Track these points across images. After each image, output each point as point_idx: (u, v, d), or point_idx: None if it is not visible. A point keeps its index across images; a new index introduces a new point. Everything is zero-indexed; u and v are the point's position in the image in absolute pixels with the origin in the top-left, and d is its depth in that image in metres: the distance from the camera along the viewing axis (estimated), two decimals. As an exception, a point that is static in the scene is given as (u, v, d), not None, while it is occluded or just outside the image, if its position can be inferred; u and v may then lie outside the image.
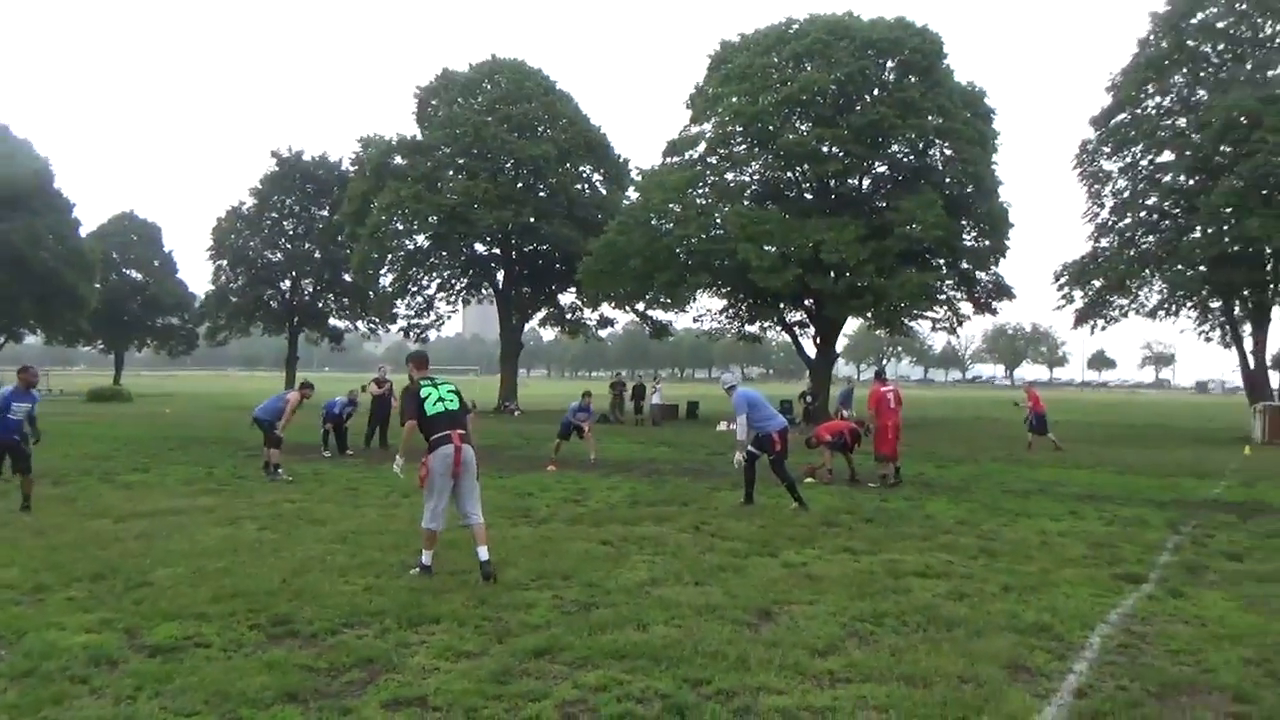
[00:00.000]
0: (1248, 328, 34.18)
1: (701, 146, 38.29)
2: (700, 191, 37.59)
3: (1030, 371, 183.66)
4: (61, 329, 57.56)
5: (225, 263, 52.61)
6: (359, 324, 54.48)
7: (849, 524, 10.74)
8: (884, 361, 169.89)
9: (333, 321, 55.28)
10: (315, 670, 5.24)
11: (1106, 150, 35.81)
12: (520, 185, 42.81)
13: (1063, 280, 36.29)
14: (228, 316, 53.23)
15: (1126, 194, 35.41)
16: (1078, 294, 36.10)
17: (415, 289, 47.36)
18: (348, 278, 49.77)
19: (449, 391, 7.96)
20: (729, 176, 38.59)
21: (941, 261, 36.87)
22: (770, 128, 35.75)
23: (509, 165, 42.66)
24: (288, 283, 53.03)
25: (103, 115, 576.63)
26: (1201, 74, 33.76)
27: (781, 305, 39.16)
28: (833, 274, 34.15)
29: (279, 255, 52.39)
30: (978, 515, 11.62)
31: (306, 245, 52.06)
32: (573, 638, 5.83)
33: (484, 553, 7.55)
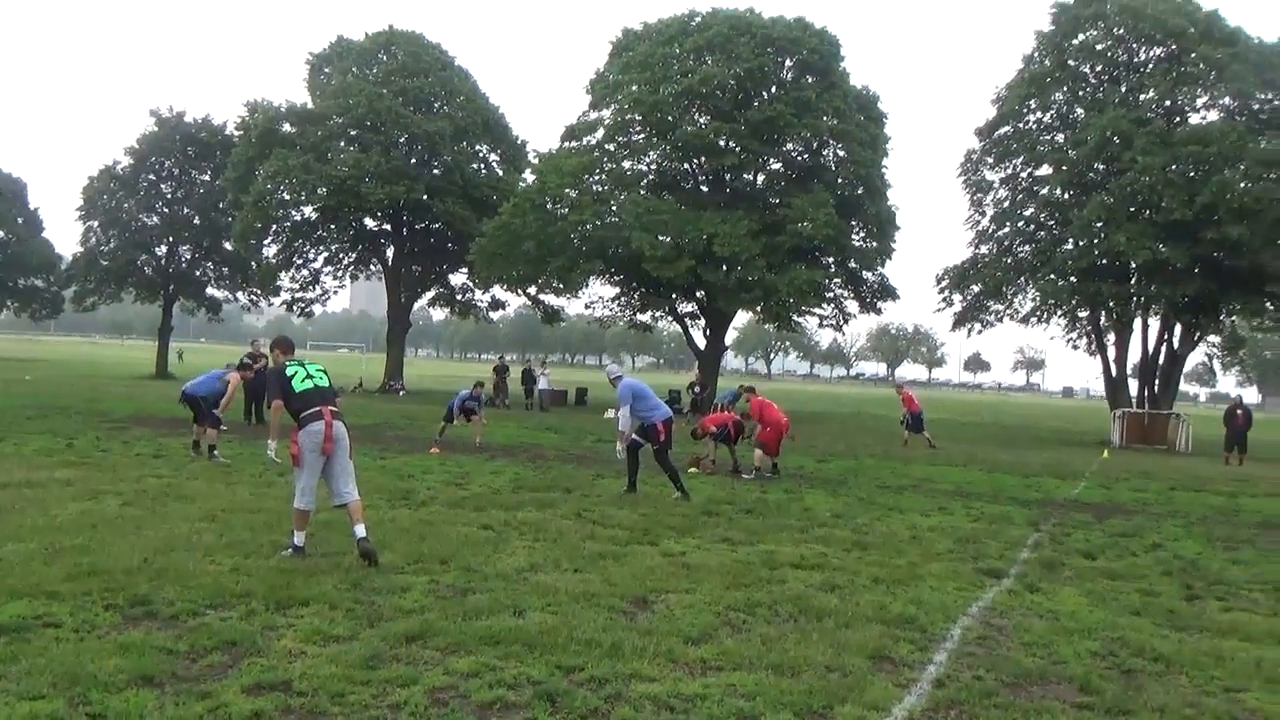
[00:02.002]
0: (1111, 337, 36.07)
1: (600, 133, 38.22)
2: (597, 178, 37.56)
3: (910, 371, 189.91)
4: (-89, 286, 53.87)
5: (96, 224, 49.89)
6: (239, 295, 52.47)
7: (729, 515, 10.90)
8: (771, 355, 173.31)
9: (211, 291, 53.03)
10: (174, 653, 5.03)
11: (989, 161, 37.17)
12: (414, 161, 41.95)
13: (944, 284, 37.56)
14: (97, 280, 50.52)
15: (1006, 204, 36.83)
16: (957, 298, 37.42)
17: (301, 261, 45.93)
18: (229, 246, 47.90)
19: (317, 370, 7.85)
20: (626, 165, 38.64)
21: (830, 260, 37.74)
22: (669, 118, 35.93)
23: (403, 140, 41.73)
24: (164, 248, 50.65)
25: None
26: (1080, 93, 35.33)
27: (673, 295, 39.46)
28: (724, 267, 34.58)
29: (155, 219, 49.96)
30: (853, 509, 11.95)
31: (185, 210, 49.81)
32: (446, 623, 5.76)
33: (360, 530, 7.34)
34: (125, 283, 50.64)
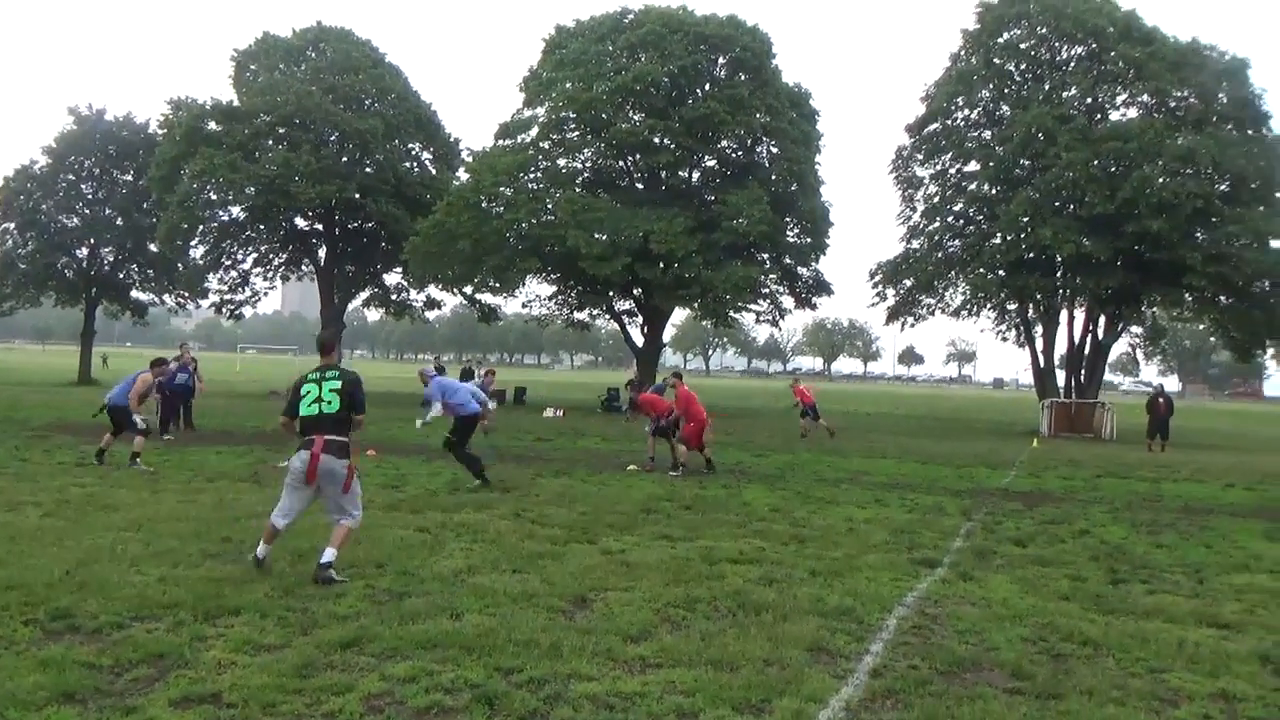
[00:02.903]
0: (1039, 329, 36.92)
1: (534, 130, 38.05)
2: (532, 176, 37.37)
3: (845, 365, 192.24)
4: None
5: (13, 226, 48.24)
6: (165, 297, 51.19)
7: (668, 511, 10.92)
8: (709, 351, 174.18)
9: (135, 294, 51.62)
10: (97, 668, 4.88)
11: (919, 157, 37.79)
12: (345, 160, 41.30)
13: (877, 279, 38.09)
14: (15, 285, 48.87)
15: (936, 199, 37.49)
16: (890, 292, 37.98)
17: (229, 263, 44.95)
18: (154, 248, 46.66)
19: (331, 390, 7.07)
20: (561, 162, 38.53)
21: (766, 256, 38.06)
22: (603, 116, 35.91)
23: (333, 138, 41.08)
24: (85, 250, 49.15)
25: None
26: (1006, 90, 36.11)
27: (610, 293, 39.45)
28: (661, 264, 34.66)
29: (75, 220, 48.44)
30: (791, 503, 12.05)
31: (107, 211, 48.37)
32: (382, 628, 5.67)
33: (329, 554, 6.84)
34: (45, 286, 49.03)
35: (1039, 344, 36.91)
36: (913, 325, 39.46)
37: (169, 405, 18.66)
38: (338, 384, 7.10)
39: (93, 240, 48.78)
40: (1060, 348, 37.32)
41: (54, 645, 5.20)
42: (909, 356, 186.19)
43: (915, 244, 37.70)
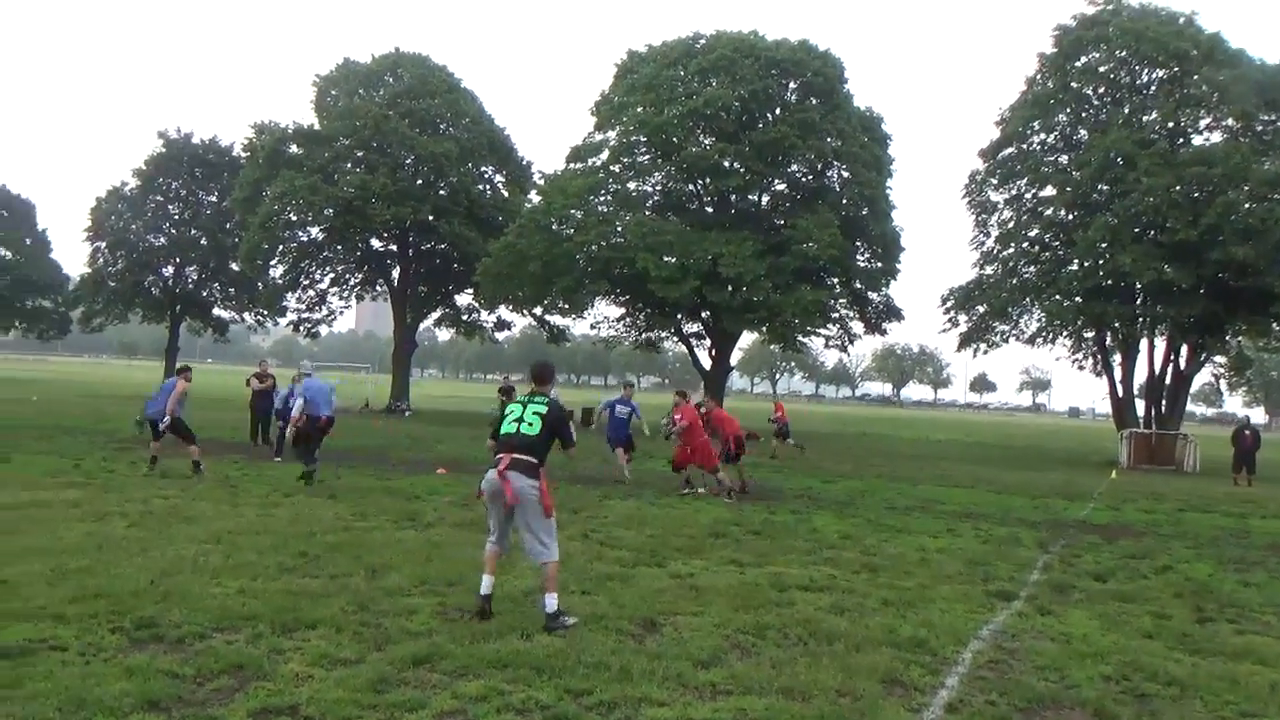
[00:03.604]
0: (1118, 357, 35.96)
1: (605, 154, 38.39)
2: (602, 199, 37.68)
3: (915, 391, 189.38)
4: (-80, 306, 54.20)
5: (104, 245, 50.28)
6: (246, 315, 52.75)
7: (737, 536, 10.85)
8: (776, 375, 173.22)
9: (217, 311, 53.34)
10: (180, 677, 5.01)
11: (994, 182, 37.20)
12: (420, 182, 42.12)
13: (949, 304, 37.51)
14: (104, 301, 50.84)
15: (1011, 224, 36.83)
16: (962, 318, 37.35)
17: (307, 282, 46.14)
18: (235, 267, 48.15)
19: (534, 414, 6.87)
20: (631, 185, 38.81)
21: (835, 280, 37.78)
22: (674, 140, 36.09)
23: (409, 161, 41.95)
24: (170, 269, 50.98)
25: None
26: (1083, 114, 35.41)
27: (679, 316, 39.50)
28: (730, 287, 34.61)
29: (162, 240, 50.31)
30: (861, 530, 11.89)
31: (192, 231, 50.14)
32: (454, 646, 5.72)
33: (550, 602, 6.40)
34: (132, 303, 50.92)
35: (1117, 373, 35.93)
36: (985, 352, 38.73)
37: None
38: (543, 409, 6.93)
39: (178, 259, 50.52)
40: (1140, 376, 36.35)
41: (139, 654, 5.35)
42: (981, 384, 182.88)
43: (989, 269, 37.06)
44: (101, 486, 12.30)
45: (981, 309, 36.66)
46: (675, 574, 8.45)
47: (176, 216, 50.76)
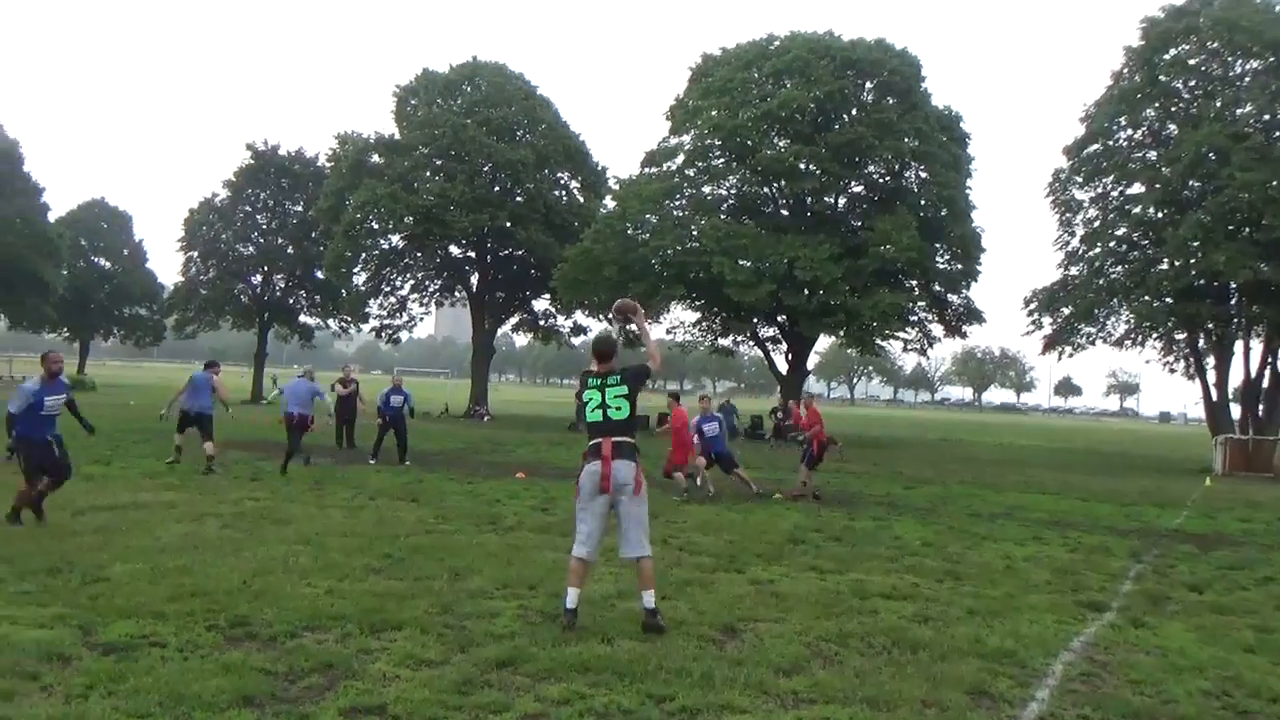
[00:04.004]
0: (1211, 360, 34.69)
1: (680, 158, 38.44)
2: (677, 203, 37.73)
3: (998, 395, 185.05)
4: (26, 315, 56.71)
5: (196, 254, 52.07)
6: (330, 322, 54.08)
7: (817, 542, 10.75)
8: (854, 380, 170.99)
9: (303, 318, 54.80)
10: (273, 674, 5.15)
11: (1078, 180, 36.22)
12: (497, 189, 42.69)
13: (1032, 306, 36.63)
14: (197, 309, 52.64)
15: (1097, 223, 35.81)
16: (1046, 320, 36.44)
17: (388, 289, 47.13)
18: (320, 275, 49.41)
19: (617, 396, 6.62)
20: (706, 189, 38.75)
21: (914, 283, 37.21)
22: (749, 142, 35.95)
23: (486, 169, 42.54)
24: (259, 277, 52.53)
25: (80, 103, 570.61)
26: (1173, 109, 34.26)
27: (755, 320, 39.32)
28: (806, 291, 34.33)
29: (251, 249, 51.91)
30: (944, 538, 11.68)
31: (279, 240, 51.63)
32: (536, 649, 5.77)
33: (649, 598, 6.35)
34: (223, 311, 52.59)
35: (1211, 376, 34.61)
36: (1070, 355, 37.73)
37: (383, 428, 18.40)
38: (623, 389, 6.64)
39: (266, 267, 52.01)
40: (1235, 379, 35.00)
41: (234, 651, 5.51)
42: (1066, 387, 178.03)
43: (1074, 270, 36.08)
44: (196, 489, 12.73)
45: (1066, 311, 35.73)
46: (755, 580, 8.40)
47: (264, 226, 52.28)
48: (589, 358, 7.16)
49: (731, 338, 43.10)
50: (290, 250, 51.40)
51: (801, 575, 8.76)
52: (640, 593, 6.46)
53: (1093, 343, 36.78)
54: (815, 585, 8.30)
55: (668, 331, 43.43)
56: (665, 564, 8.88)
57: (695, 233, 35.95)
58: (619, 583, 7.91)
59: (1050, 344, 36.91)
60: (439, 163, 42.18)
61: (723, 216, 36.99)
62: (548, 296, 44.79)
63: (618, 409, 6.61)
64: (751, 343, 43.08)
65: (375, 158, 43.45)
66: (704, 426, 15.43)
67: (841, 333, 37.97)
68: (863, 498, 16.16)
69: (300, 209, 51.81)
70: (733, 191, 39.36)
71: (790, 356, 39.66)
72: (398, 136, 43.90)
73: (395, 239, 44.24)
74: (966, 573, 9.27)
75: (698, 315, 41.70)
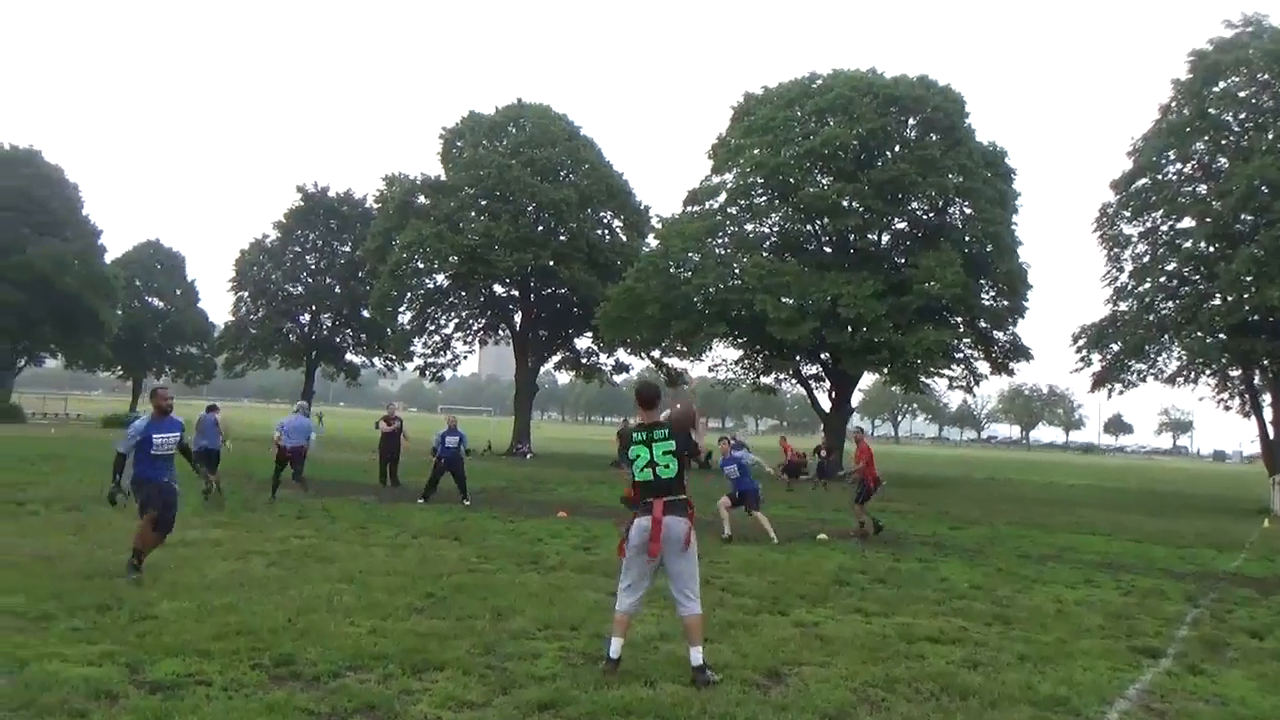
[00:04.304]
0: (1268, 397, 33.87)
1: (722, 196, 38.56)
2: (719, 241, 37.80)
3: (1046, 433, 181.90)
4: (82, 354, 58.06)
5: (246, 294, 53.13)
6: (376, 360, 54.75)
7: (861, 584, 10.59)
8: (899, 417, 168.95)
9: (350, 357, 55.57)
10: (316, 714, 5.16)
11: (1126, 214, 35.82)
12: (541, 229, 43.09)
13: (1081, 343, 36.14)
14: (246, 348, 53.59)
15: (1146, 258, 35.34)
16: (1096, 357, 35.92)
17: (433, 328, 47.59)
18: (366, 314, 50.10)
19: (665, 453, 6.44)
20: (748, 227, 38.82)
21: (959, 320, 36.83)
22: (791, 180, 35.97)
23: (530, 208, 42.99)
24: (307, 316, 53.43)
25: (139, 147, 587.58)
26: (1223, 142, 33.82)
27: (798, 358, 39.15)
28: (850, 329, 34.11)
29: (300, 289, 52.87)
30: (992, 580, 11.45)
31: (327, 280, 52.55)
32: (579, 692, 5.73)
33: (696, 655, 6.17)
34: (272, 349, 53.46)
35: (1268, 414, 33.77)
36: (1121, 392, 37.10)
37: (438, 469, 18.31)
38: (670, 445, 6.44)
39: (314, 307, 52.87)
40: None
41: (278, 690, 5.54)
42: (1116, 425, 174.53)
43: (1123, 306, 35.60)
44: (243, 526, 12.86)
45: (1116, 347, 35.20)
46: (799, 622, 8.30)
47: (313, 266, 53.24)
48: (631, 401, 7.03)
49: (774, 376, 42.89)
50: (338, 290, 52.26)
51: (847, 618, 8.63)
52: (689, 648, 6.28)
53: (1143, 379, 36.19)
54: (861, 628, 8.17)
55: (710, 369, 43.36)
56: (708, 605, 8.76)
57: (737, 270, 35.95)
58: (660, 624, 7.84)
59: (1099, 381, 36.34)
60: (484, 203, 42.71)
61: (765, 254, 36.97)
62: (590, 335, 44.98)
63: (666, 466, 6.43)
64: (794, 381, 42.85)
65: (421, 198, 44.12)
66: (725, 469, 15.28)
67: (885, 370, 37.61)
68: (908, 538, 15.91)
69: (348, 249, 52.71)
70: (775, 229, 39.34)
71: (834, 394, 39.38)
72: (444, 177, 44.57)
73: (440, 278, 44.75)
74: (1016, 616, 9.07)
75: (740, 353, 41.59)
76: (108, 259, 58.46)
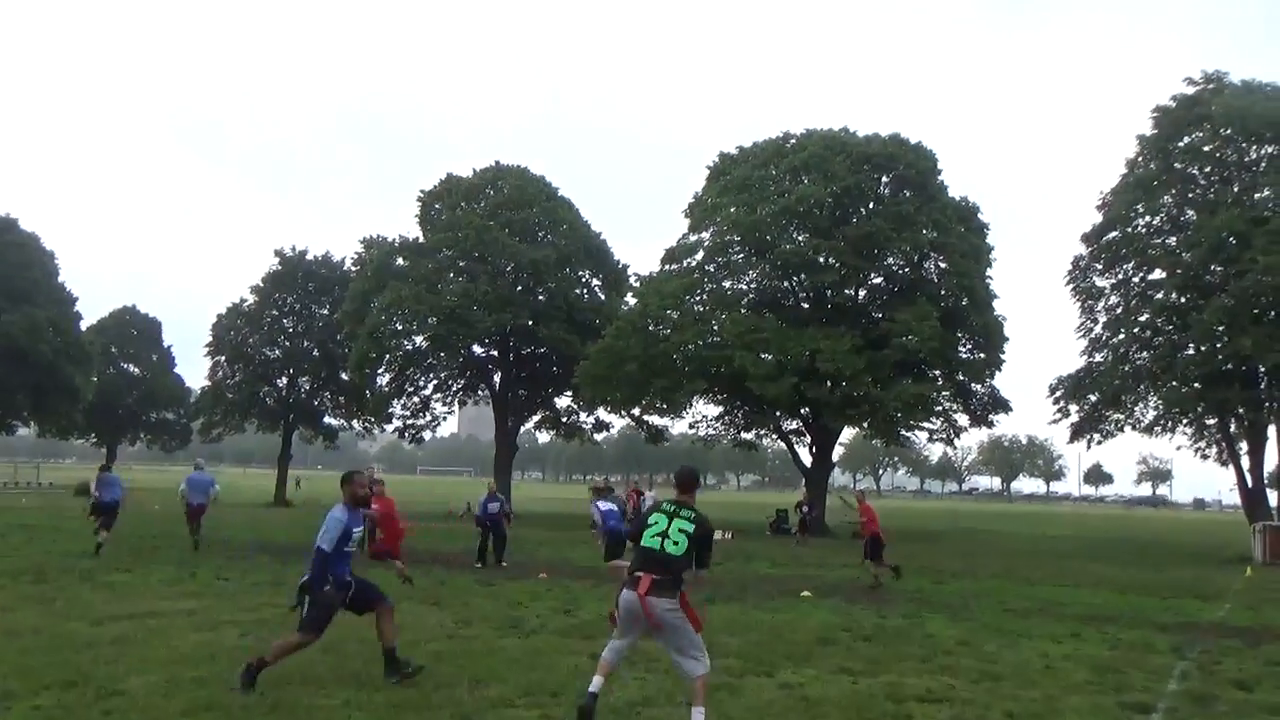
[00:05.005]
0: (1244, 445, 34.10)
1: (700, 254, 38.86)
2: (698, 298, 38.00)
3: (1027, 484, 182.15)
4: (55, 421, 57.29)
5: (223, 358, 52.70)
6: (354, 423, 54.29)
7: (847, 643, 10.45)
8: (880, 471, 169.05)
9: (328, 419, 55.09)
10: (288, 793, 4.98)
11: (1098, 266, 36.30)
12: (519, 288, 43.24)
13: (1058, 394, 36.37)
14: (223, 412, 53.04)
15: (1119, 310, 35.75)
16: (1073, 408, 36.13)
17: (412, 389, 47.39)
18: (345, 376, 49.82)
19: (680, 531, 6.42)
20: (726, 284, 39.09)
21: (937, 373, 37.04)
22: (768, 237, 36.36)
23: (509, 269, 43.17)
24: (284, 380, 53.02)
25: (114, 213, 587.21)
26: (1190, 195, 34.45)
27: (778, 413, 39.17)
28: (829, 383, 34.25)
29: (277, 352, 52.49)
30: (979, 635, 11.33)
31: (305, 343, 52.24)
32: (559, 762, 5.58)
33: (698, 716, 6.18)
34: (249, 413, 52.89)
35: (1245, 462, 33.98)
36: (1099, 443, 37.28)
37: (485, 534, 18.46)
38: (690, 527, 6.45)
39: (291, 370, 52.48)
40: (1270, 464, 34.36)
41: (249, 768, 5.35)
42: (1096, 475, 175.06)
43: (1098, 357, 35.91)
44: (215, 595, 12.59)
45: (1093, 398, 35.44)
46: (784, 684, 8.16)
47: (290, 329, 52.94)
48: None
49: (755, 431, 42.89)
50: (315, 353, 51.94)
51: (832, 678, 8.50)
52: (690, 710, 6.27)
53: (1121, 429, 36.38)
54: (847, 688, 8.04)
55: (690, 426, 43.33)
56: (691, 668, 8.64)
57: (716, 327, 36.12)
58: (644, 689, 7.69)
59: (1078, 432, 36.52)
60: (462, 264, 42.85)
61: (743, 311, 37.17)
62: (570, 393, 44.90)
63: (675, 543, 6.40)
64: (775, 436, 42.83)
65: (400, 260, 44.23)
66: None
67: (865, 424, 37.72)
68: (893, 593, 15.79)
69: (326, 311, 52.51)
70: (753, 286, 39.63)
71: (814, 449, 39.36)
72: (422, 239, 44.74)
73: (419, 339, 44.65)
74: (1003, 673, 8.96)
75: (720, 409, 41.63)
76: (83, 325, 58.04)
